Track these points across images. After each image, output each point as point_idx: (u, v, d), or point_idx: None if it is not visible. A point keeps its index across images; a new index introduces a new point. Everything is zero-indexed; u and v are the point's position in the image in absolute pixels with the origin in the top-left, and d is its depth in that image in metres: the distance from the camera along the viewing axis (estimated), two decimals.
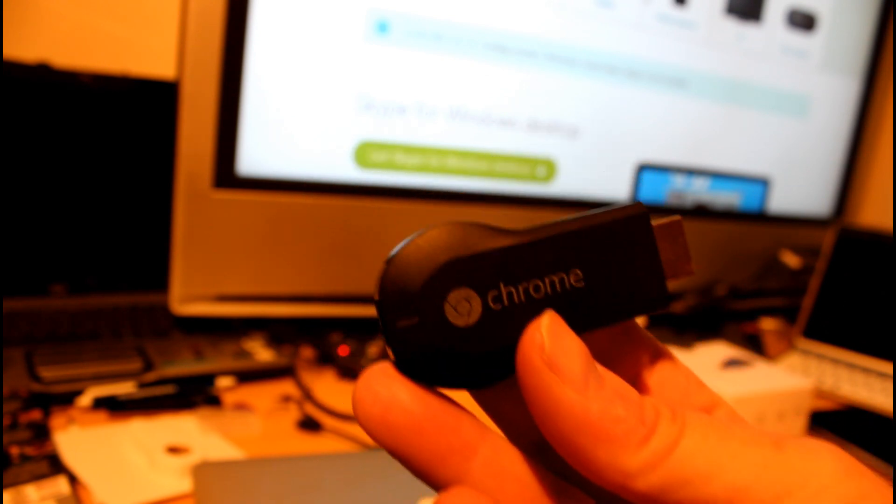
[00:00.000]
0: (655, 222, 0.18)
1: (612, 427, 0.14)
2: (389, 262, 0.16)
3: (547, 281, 0.16)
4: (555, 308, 0.16)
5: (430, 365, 0.15)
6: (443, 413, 0.15)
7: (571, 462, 0.15)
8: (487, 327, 0.16)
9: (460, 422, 0.15)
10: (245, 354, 0.60)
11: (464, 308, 0.15)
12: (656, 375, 0.19)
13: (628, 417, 0.14)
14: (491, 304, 0.16)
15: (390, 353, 0.16)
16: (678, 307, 0.83)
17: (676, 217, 0.19)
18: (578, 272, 0.16)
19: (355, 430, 0.52)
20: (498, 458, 0.16)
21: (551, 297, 0.16)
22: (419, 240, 0.16)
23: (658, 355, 0.19)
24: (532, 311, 0.16)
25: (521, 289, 0.16)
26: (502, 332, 0.16)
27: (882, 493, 0.14)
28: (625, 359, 0.19)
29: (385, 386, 0.15)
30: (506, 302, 0.16)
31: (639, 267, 0.17)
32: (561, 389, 0.15)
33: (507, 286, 0.16)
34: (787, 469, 0.14)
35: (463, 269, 0.16)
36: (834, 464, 0.14)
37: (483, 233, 0.16)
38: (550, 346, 0.15)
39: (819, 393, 0.69)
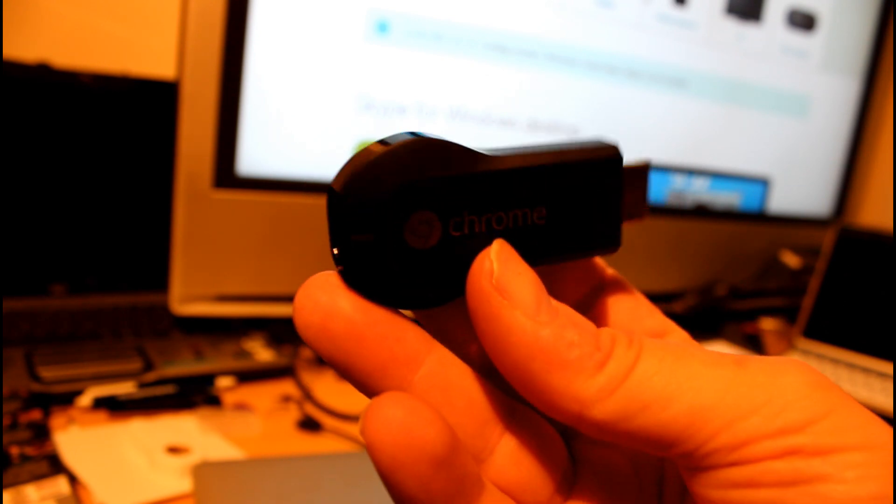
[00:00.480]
0: (626, 165, 0.18)
1: (565, 352, 0.14)
2: (352, 171, 0.15)
3: (510, 214, 0.16)
4: (513, 241, 0.15)
5: (379, 283, 0.15)
6: (385, 322, 0.15)
7: (525, 394, 0.14)
8: (443, 253, 0.15)
9: (404, 332, 0.15)
10: (245, 354, 0.60)
11: (423, 231, 0.15)
12: (605, 300, 0.18)
13: (583, 343, 0.14)
14: (451, 231, 0.15)
15: (337, 264, 0.15)
16: (678, 307, 0.83)
17: (645, 161, 0.19)
18: (543, 210, 0.16)
19: (355, 430, 0.52)
20: (445, 371, 0.15)
21: (511, 231, 0.16)
22: (397, 147, 0.15)
23: (606, 280, 0.19)
24: (491, 240, 0.15)
25: (483, 219, 0.15)
26: (457, 260, 0.15)
27: (849, 407, 0.13)
28: (573, 284, 0.18)
29: (327, 293, 0.14)
30: (466, 230, 0.15)
31: (600, 209, 0.17)
32: (511, 315, 0.14)
33: (469, 215, 0.15)
34: (751, 386, 0.13)
35: (427, 193, 0.15)
36: (800, 378, 0.13)
37: (453, 152, 0.15)
38: (500, 271, 0.15)
39: None
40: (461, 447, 0.14)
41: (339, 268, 0.15)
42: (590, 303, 0.19)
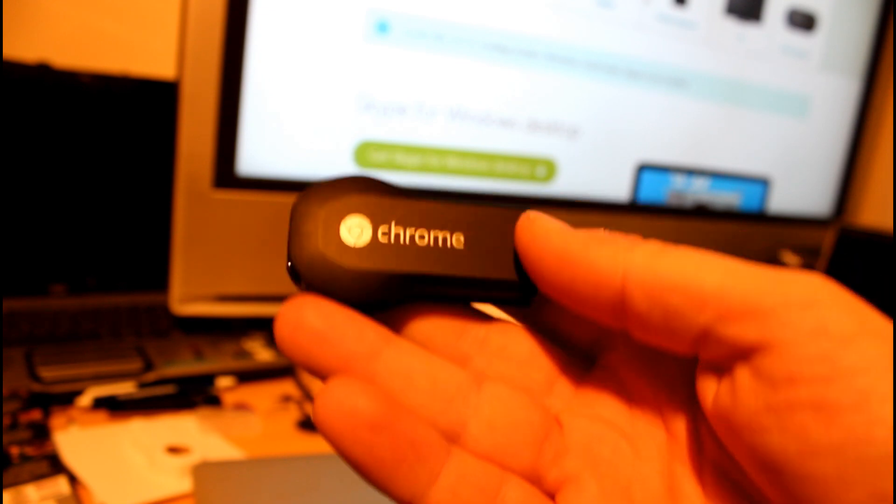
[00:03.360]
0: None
1: (602, 235, 0.16)
2: (313, 185, 0.19)
3: (432, 234, 0.19)
4: (433, 256, 0.18)
5: (315, 266, 0.18)
6: (344, 324, 0.17)
7: (566, 289, 0.17)
8: (370, 252, 0.18)
9: (363, 330, 0.17)
10: (245, 354, 0.60)
11: (356, 232, 0.18)
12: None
13: (615, 234, 0.17)
14: (379, 236, 0.18)
15: (288, 251, 0.18)
16: None
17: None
18: (461, 237, 0.19)
19: None
20: (404, 359, 0.17)
21: (432, 248, 0.18)
22: (340, 178, 0.19)
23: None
24: (412, 251, 0.18)
25: (408, 232, 0.18)
26: (381, 260, 0.18)
27: (873, 314, 0.14)
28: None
29: (292, 309, 0.17)
30: (391, 239, 0.18)
31: (512, 258, 0.19)
32: (551, 225, 0.17)
33: (397, 226, 0.18)
34: (785, 282, 0.14)
35: (365, 203, 0.18)
36: (823, 282, 0.14)
37: (392, 188, 0.19)
38: (537, 215, 0.18)
39: None
40: (407, 415, 0.16)
41: (289, 261, 0.18)
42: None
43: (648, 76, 0.77)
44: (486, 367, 0.19)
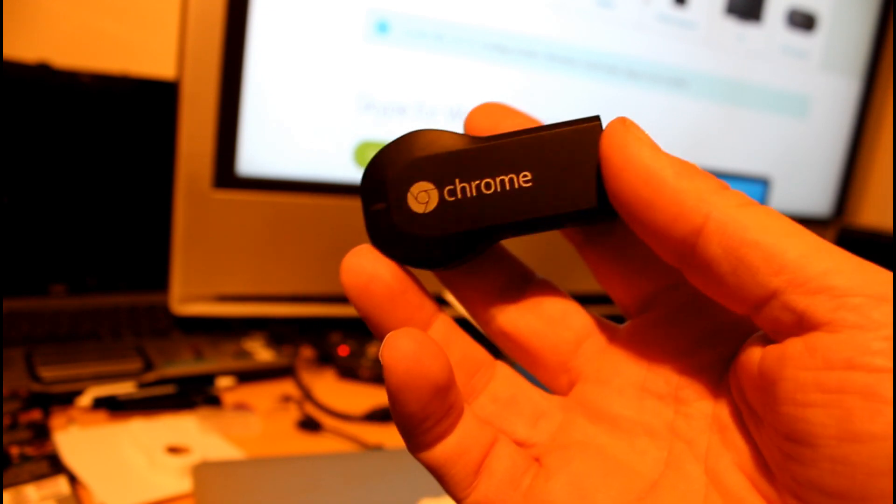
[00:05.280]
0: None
1: (697, 169, 0.17)
2: (371, 159, 0.19)
3: (498, 180, 0.18)
4: (503, 203, 0.18)
5: (393, 243, 0.18)
6: (412, 290, 0.19)
7: (651, 213, 0.16)
8: (441, 215, 0.18)
9: (423, 300, 0.19)
10: (245, 354, 0.60)
11: (423, 198, 0.18)
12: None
13: (706, 172, 0.17)
14: (446, 196, 0.18)
15: (367, 231, 0.19)
16: None
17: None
18: (528, 174, 0.18)
19: (355, 430, 0.52)
20: (447, 332, 0.19)
21: (500, 194, 0.18)
22: (396, 140, 0.19)
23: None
24: (481, 204, 0.18)
25: (473, 185, 0.18)
26: (453, 221, 0.18)
27: None
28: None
29: (371, 261, 0.18)
30: (459, 195, 0.18)
31: (584, 174, 0.18)
32: (643, 145, 0.16)
33: (461, 182, 0.18)
34: (868, 272, 0.14)
35: (425, 166, 0.18)
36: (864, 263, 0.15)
37: (450, 137, 0.19)
38: (632, 124, 0.17)
39: None
40: (455, 381, 0.17)
41: (368, 235, 0.19)
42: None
43: (648, 76, 0.77)
44: (517, 319, 0.20)
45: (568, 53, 0.72)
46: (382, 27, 0.62)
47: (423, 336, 0.16)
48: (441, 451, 0.17)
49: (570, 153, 0.18)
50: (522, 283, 0.20)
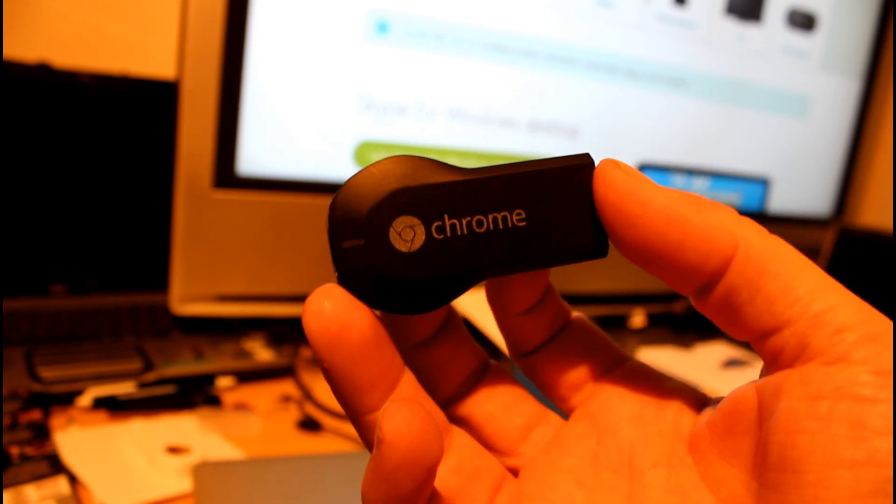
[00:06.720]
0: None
1: (710, 200, 0.16)
2: (343, 185, 0.16)
3: (490, 217, 0.17)
4: (497, 243, 0.17)
5: (370, 286, 0.16)
6: (386, 343, 0.16)
7: (669, 252, 0.16)
8: (428, 255, 0.16)
9: (394, 354, 0.17)
10: (245, 354, 0.60)
11: (408, 235, 0.16)
12: (568, 336, 0.20)
13: (712, 203, 0.16)
14: (434, 234, 0.16)
15: (336, 271, 0.16)
16: (678, 307, 0.83)
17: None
18: (521, 212, 0.17)
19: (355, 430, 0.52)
20: (413, 391, 0.17)
21: (493, 233, 0.17)
22: (372, 167, 0.16)
23: (569, 316, 0.20)
24: (473, 244, 0.17)
25: (464, 222, 0.17)
26: (442, 262, 0.16)
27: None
28: (522, 293, 0.19)
29: (343, 306, 0.16)
30: (448, 233, 0.16)
31: (579, 213, 0.17)
32: (647, 184, 0.16)
33: (451, 218, 0.16)
34: (867, 312, 0.15)
35: (410, 198, 0.16)
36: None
37: (434, 167, 0.17)
38: (625, 166, 0.16)
39: None
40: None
41: (337, 276, 0.16)
42: (555, 337, 0.20)
43: (648, 76, 0.77)
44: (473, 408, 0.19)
45: (568, 53, 0.72)
46: (382, 27, 0.62)
47: (421, 408, 0.15)
48: None
49: (564, 191, 0.17)
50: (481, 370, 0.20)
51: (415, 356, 0.19)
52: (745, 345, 0.79)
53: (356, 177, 0.16)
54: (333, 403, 0.55)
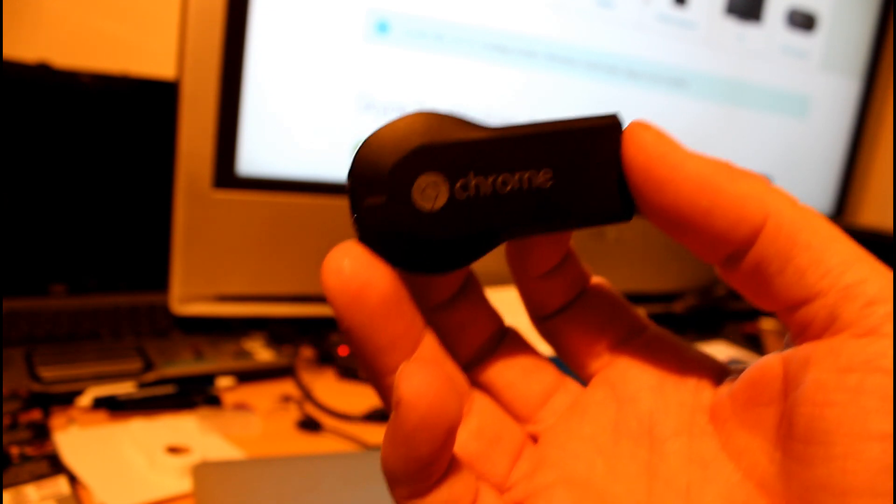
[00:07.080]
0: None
1: (742, 168, 0.16)
2: (365, 140, 0.16)
3: (516, 176, 0.16)
4: (521, 203, 0.16)
5: (391, 244, 0.16)
6: (407, 301, 0.16)
7: (699, 218, 0.16)
8: (452, 215, 0.16)
9: (415, 313, 0.16)
10: (245, 354, 0.60)
11: (431, 192, 0.16)
12: (587, 299, 0.20)
13: (744, 171, 0.16)
14: (458, 192, 0.16)
15: (356, 228, 0.16)
16: (678, 307, 0.83)
17: None
18: (549, 172, 0.16)
19: (355, 430, 0.52)
20: (435, 352, 0.17)
21: (518, 192, 0.16)
22: (397, 122, 0.16)
23: (588, 279, 0.20)
24: (497, 203, 0.16)
25: (489, 181, 0.16)
26: (465, 222, 0.16)
27: None
28: (545, 254, 0.19)
29: (364, 264, 0.15)
30: (472, 192, 0.16)
31: (605, 175, 0.17)
32: (681, 149, 0.16)
33: (476, 177, 0.16)
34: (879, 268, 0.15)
35: (434, 155, 0.16)
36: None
37: (459, 123, 0.16)
38: (655, 128, 0.16)
39: None
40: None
41: (357, 234, 0.16)
42: (573, 302, 0.19)
43: (648, 76, 0.77)
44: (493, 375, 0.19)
45: (568, 53, 0.72)
46: (382, 27, 0.62)
47: (440, 369, 0.15)
48: (432, 502, 0.16)
49: (591, 152, 0.16)
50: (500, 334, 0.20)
51: (433, 318, 0.18)
52: (746, 345, 0.79)
53: (379, 131, 0.16)
54: (333, 403, 0.55)
